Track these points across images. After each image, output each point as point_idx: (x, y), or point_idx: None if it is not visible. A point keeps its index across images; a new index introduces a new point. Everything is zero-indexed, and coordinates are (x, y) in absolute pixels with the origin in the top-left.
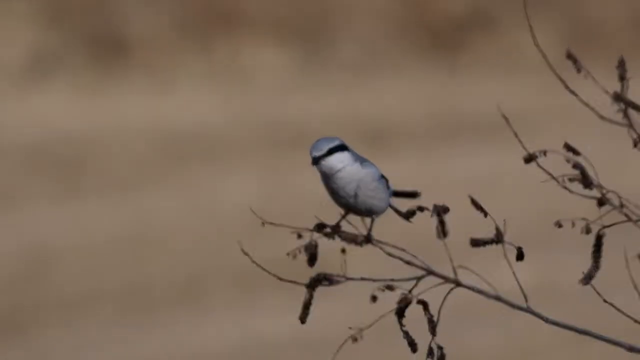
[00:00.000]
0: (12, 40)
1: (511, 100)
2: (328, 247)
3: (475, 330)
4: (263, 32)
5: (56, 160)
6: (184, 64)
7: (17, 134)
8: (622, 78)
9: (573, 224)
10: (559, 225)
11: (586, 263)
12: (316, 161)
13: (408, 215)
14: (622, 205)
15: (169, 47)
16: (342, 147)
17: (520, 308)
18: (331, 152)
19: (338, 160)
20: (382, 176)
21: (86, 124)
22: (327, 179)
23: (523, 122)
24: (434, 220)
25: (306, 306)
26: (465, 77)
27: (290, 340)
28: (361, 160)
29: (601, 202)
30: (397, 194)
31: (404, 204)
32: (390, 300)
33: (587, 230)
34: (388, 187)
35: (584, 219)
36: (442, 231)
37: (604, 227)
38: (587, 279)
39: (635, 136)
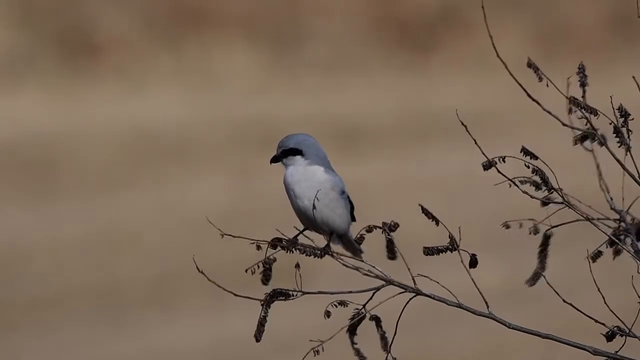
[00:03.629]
0: None
1: (483, 99)
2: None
3: (442, 332)
4: (233, 32)
5: (27, 161)
6: (153, 64)
7: None
8: (583, 84)
9: (520, 225)
10: (506, 226)
11: (554, 263)
12: (274, 161)
13: (358, 246)
14: (570, 204)
15: (139, 47)
16: (293, 151)
17: (482, 315)
18: (285, 154)
19: (288, 162)
20: (348, 198)
21: (56, 124)
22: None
23: (495, 121)
24: (385, 239)
25: (261, 323)
26: (436, 77)
27: (262, 340)
28: (327, 166)
29: (545, 202)
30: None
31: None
32: (357, 304)
33: (535, 231)
34: (352, 208)
35: (531, 219)
36: (392, 251)
37: (552, 227)
38: (533, 280)
39: (596, 140)
